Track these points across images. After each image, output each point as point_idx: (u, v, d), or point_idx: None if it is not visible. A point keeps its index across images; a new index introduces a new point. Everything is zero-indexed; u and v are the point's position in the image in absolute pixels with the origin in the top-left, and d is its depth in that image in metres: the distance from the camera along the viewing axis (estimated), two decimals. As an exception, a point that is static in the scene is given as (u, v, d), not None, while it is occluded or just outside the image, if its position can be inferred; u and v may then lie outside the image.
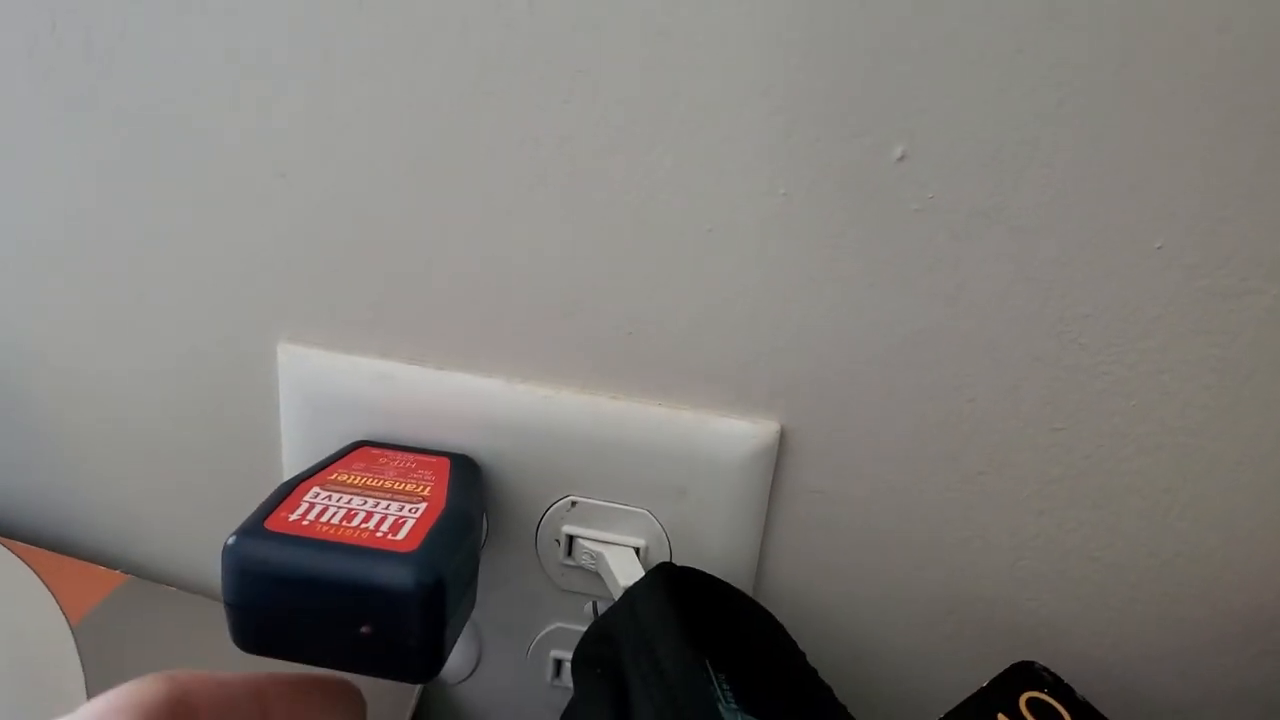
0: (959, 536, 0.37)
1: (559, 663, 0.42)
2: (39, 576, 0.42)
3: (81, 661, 0.39)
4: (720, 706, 0.31)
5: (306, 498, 0.30)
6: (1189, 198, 0.30)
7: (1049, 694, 0.31)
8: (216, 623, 0.29)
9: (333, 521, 0.28)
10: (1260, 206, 0.30)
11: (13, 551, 0.43)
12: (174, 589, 0.44)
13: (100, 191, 0.37)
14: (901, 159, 0.31)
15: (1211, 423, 0.33)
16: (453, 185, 0.34)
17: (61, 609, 0.41)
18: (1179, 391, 0.33)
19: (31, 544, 0.44)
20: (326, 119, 0.34)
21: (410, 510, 0.30)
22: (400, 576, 0.26)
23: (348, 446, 0.37)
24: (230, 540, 0.27)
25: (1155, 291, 0.32)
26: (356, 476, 0.33)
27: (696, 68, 0.31)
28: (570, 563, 0.39)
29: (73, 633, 0.40)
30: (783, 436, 0.36)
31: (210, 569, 0.28)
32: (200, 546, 0.45)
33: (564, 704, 0.34)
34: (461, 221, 0.35)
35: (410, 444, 0.38)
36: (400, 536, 0.28)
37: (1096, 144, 0.30)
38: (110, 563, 0.45)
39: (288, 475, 0.40)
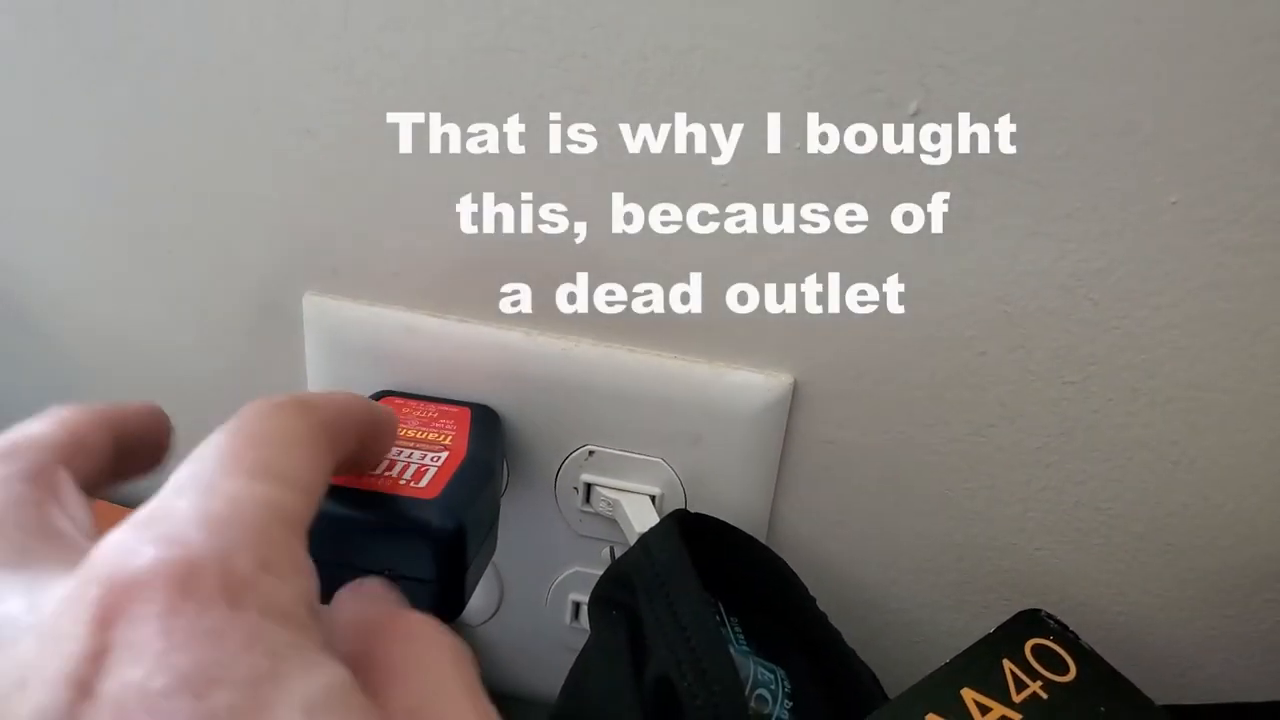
0: (968, 487, 0.38)
1: (577, 605, 0.43)
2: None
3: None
4: (731, 648, 0.32)
5: (332, 446, 0.31)
6: (1206, 152, 0.30)
7: (1054, 641, 0.32)
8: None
9: (358, 469, 0.29)
10: (1278, 159, 0.30)
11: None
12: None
13: (127, 145, 0.38)
14: (916, 113, 0.31)
15: (1221, 378, 0.33)
16: (472, 140, 0.35)
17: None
18: (1189, 346, 0.33)
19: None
20: (349, 74, 0.34)
21: (432, 459, 0.31)
22: (423, 522, 0.27)
23: (371, 396, 0.38)
24: (259, 487, 0.28)
25: (1168, 246, 0.32)
26: (380, 426, 0.34)
27: (713, 21, 0.31)
28: (588, 510, 0.40)
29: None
30: (795, 388, 0.37)
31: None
32: (231, 492, 0.46)
33: (582, 644, 0.35)
34: (481, 176, 0.35)
35: (433, 394, 0.39)
36: (423, 484, 0.29)
37: (1112, 98, 0.30)
38: (145, 507, 0.46)
39: (314, 424, 0.41)
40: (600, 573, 0.35)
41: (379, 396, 0.38)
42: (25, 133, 0.39)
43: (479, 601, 0.45)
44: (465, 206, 0.36)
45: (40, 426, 0.22)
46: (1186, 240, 0.32)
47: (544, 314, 0.38)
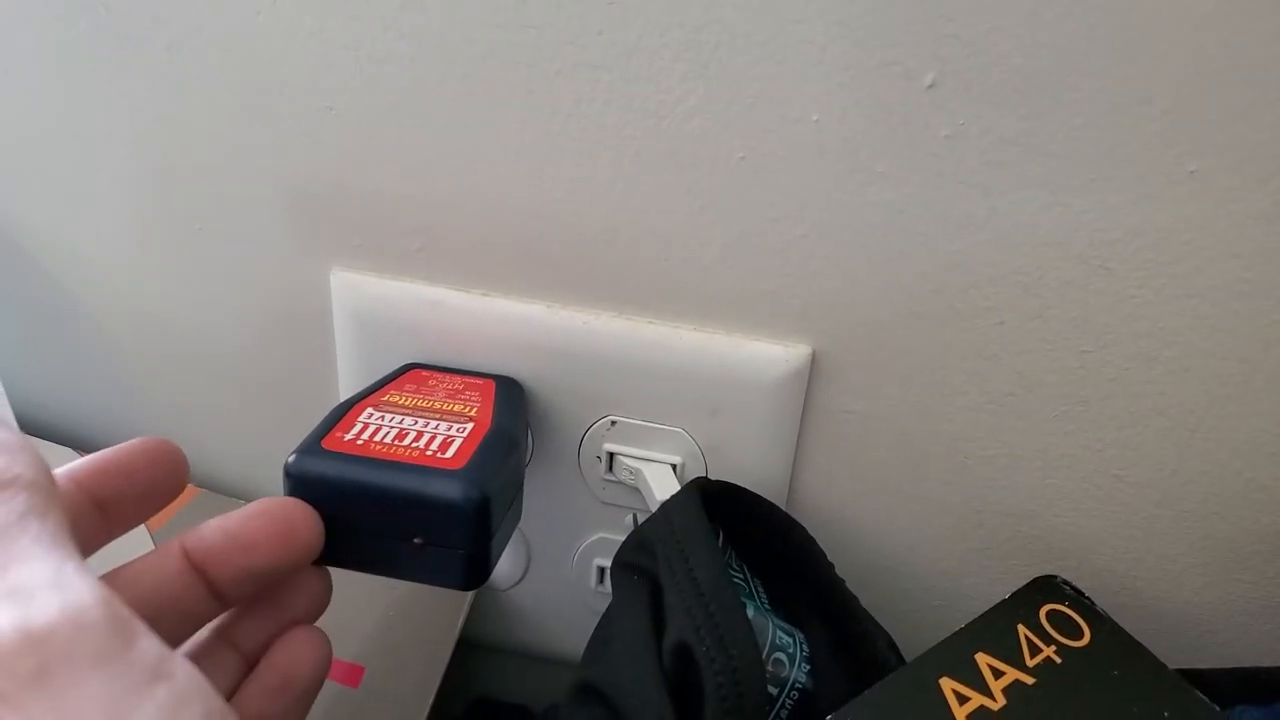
0: (987, 455, 0.38)
1: (601, 570, 0.44)
2: (119, 489, 0.45)
3: (162, 567, 0.42)
4: (751, 606, 0.33)
5: (361, 418, 0.32)
6: (1225, 121, 0.30)
7: (1069, 606, 0.32)
8: (282, 533, 0.31)
9: (385, 440, 0.30)
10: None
11: (94, 466, 0.46)
12: (243, 501, 0.47)
13: (155, 126, 0.39)
14: (932, 86, 0.31)
15: (1240, 346, 0.33)
16: (493, 116, 0.35)
17: (141, 519, 0.44)
18: (1208, 315, 0.33)
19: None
20: (370, 52, 0.35)
21: (458, 430, 0.32)
22: (449, 492, 0.28)
23: (399, 369, 0.39)
24: (290, 459, 0.28)
25: (1187, 216, 0.32)
26: (407, 398, 0.35)
27: (728, -3, 0.31)
28: (611, 478, 0.41)
29: (153, 541, 0.43)
30: (814, 359, 0.37)
31: (274, 484, 0.30)
32: (264, 462, 0.48)
33: (605, 608, 0.36)
34: (502, 153, 0.36)
35: (458, 366, 0.40)
36: (449, 455, 0.30)
37: (1130, 68, 0.30)
38: (183, 476, 0.47)
39: (343, 395, 0.43)
40: (623, 539, 0.36)
41: (406, 369, 0.39)
42: (58, 114, 0.40)
43: (506, 567, 0.46)
44: (485, 182, 0.37)
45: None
46: (1205, 210, 0.31)
47: (565, 287, 0.38)
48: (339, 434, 0.30)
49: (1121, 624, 0.32)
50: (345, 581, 0.32)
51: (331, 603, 0.42)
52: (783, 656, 0.32)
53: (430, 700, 0.40)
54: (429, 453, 0.30)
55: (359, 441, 0.30)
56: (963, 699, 0.28)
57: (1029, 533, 0.40)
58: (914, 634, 0.35)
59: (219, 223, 0.41)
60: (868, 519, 0.41)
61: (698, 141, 0.34)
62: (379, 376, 0.38)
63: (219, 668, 0.26)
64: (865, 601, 0.35)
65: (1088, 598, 0.33)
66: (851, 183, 0.33)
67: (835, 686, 0.32)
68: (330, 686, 0.39)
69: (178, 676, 0.18)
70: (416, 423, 0.32)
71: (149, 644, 0.18)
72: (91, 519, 0.24)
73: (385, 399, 0.34)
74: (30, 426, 0.50)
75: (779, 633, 0.33)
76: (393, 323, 0.40)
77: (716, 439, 0.39)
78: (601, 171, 0.35)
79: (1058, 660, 0.30)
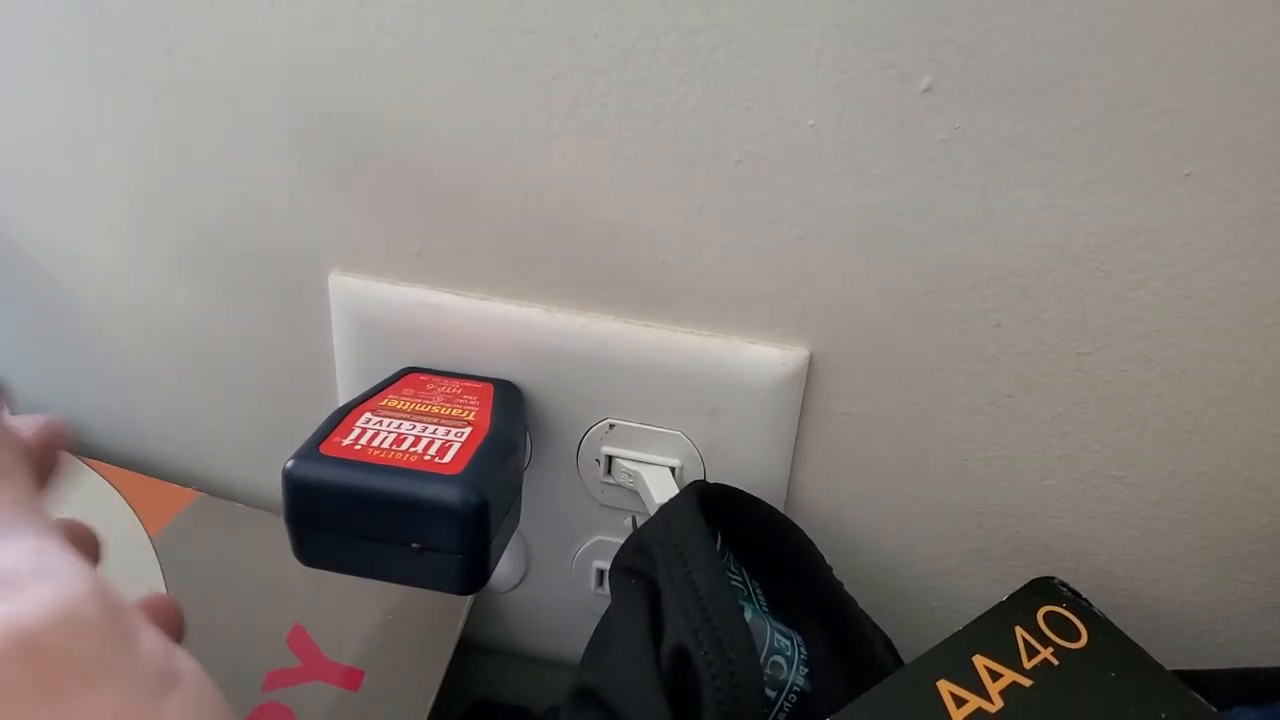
0: (985, 456, 0.38)
1: (601, 572, 0.44)
2: (120, 493, 0.45)
3: (162, 570, 0.42)
4: (749, 609, 0.33)
5: (359, 423, 0.32)
6: (1222, 122, 0.30)
7: (1067, 608, 0.32)
8: (281, 537, 0.31)
9: (383, 445, 0.30)
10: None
11: (96, 471, 0.46)
12: (241, 505, 0.47)
13: (154, 130, 0.39)
14: (928, 90, 0.31)
15: (1237, 347, 0.33)
16: (490, 121, 0.35)
17: (141, 522, 0.44)
18: (1205, 317, 0.33)
19: (112, 464, 0.47)
20: (367, 56, 0.35)
21: (456, 434, 0.32)
22: (447, 497, 0.28)
23: (397, 373, 0.39)
24: (288, 465, 0.29)
25: (1183, 217, 0.32)
26: (405, 402, 0.35)
27: (725, 1, 0.31)
28: (610, 481, 0.41)
29: (153, 544, 0.43)
30: (812, 361, 0.37)
31: (273, 487, 0.30)
32: (263, 466, 0.48)
33: (605, 610, 0.36)
34: (499, 157, 0.36)
35: (456, 370, 0.40)
36: (447, 459, 0.30)
37: (1128, 70, 0.30)
38: (182, 481, 0.48)
39: (343, 398, 0.43)
40: (623, 541, 0.36)
41: (404, 373, 0.39)
42: (58, 114, 0.40)
43: (506, 569, 0.46)
44: (483, 185, 0.37)
45: None
46: (1202, 211, 0.31)
47: (563, 290, 0.38)
48: (337, 439, 0.31)
49: (1119, 625, 0.32)
50: (344, 585, 0.32)
51: (331, 606, 0.43)
52: (780, 659, 0.32)
53: (430, 703, 0.40)
54: (427, 457, 0.30)
55: (357, 446, 0.30)
56: (960, 701, 0.28)
57: (1027, 534, 0.40)
58: (912, 635, 0.35)
59: (218, 223, 0.41)
60: (866, 520, 0.41)
61: (695, 144, 0.34)
62: (377, 380, 0.38)
63: None
64: (863, 603, 0.35)
65: (1085, 599, 0.33)
66: (849, 185, 0.33)
67: (833, 689, 0.33)
68: (330, 690, 0.40)
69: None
70: (414, 427, 0.32)
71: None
72: None
73: (383, 403, 0.34)
74: (30, 429, 0.50)
75: (777, 635, 0.33)
76: (392, 327, 0.40)
77: (715, 441, 0.39)
78: (599, 174, 0.35)
79: (1055, 662, 0.30)
